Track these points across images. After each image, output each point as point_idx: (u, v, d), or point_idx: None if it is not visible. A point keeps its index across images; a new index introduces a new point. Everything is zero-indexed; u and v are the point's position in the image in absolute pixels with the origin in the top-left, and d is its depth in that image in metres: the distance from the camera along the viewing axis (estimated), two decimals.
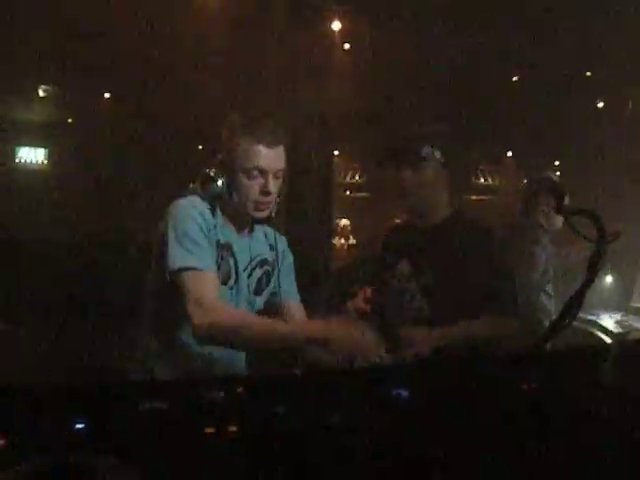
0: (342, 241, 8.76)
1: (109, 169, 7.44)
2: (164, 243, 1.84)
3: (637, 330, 3.88)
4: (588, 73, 7.53)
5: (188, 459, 0.82)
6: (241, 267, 2.00)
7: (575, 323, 1.31)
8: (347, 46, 7.15)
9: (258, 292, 2.07)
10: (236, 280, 1.98)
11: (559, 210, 1.40)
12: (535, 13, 6.19)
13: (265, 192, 1.92)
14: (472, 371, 1.06)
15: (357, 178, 11.34)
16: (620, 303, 4.78)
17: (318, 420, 0.93)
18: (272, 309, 2.13)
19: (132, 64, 6.66)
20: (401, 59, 6.82)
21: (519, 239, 3.22)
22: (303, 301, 2.20)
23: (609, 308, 4.49)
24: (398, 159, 2.45)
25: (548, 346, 1.22)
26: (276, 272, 2.11)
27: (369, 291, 2.17)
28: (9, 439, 0.81)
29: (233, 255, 1.97)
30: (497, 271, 2.36)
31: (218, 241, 1.93)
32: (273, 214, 2.00)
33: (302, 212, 6.30)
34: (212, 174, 1.93)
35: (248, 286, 2.03)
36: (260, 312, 2.09)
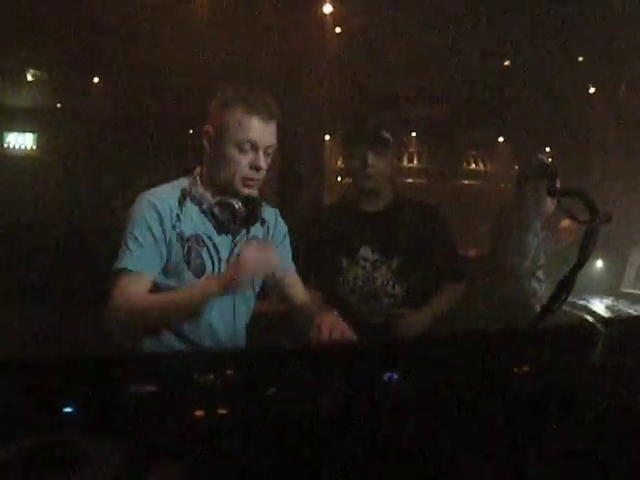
0: None
1: (99, 154, 7.38)
2: (120, 244, 1.87)
3: (627, 314, 3.89)
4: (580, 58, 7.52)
5: (180, 438, 0.80)
6: (223, 254, 1.95)
7: (565, 307, 1.30)
8: (339, 30, 7.09)
9: None
10: (219, 270, 1.93)
11: (551, 192, 1.38)
12: None
13: (255, 167, 1.88)
14: (464, 352, 1.05)
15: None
16: (611, 288, 4.79)
17: (306, 401, 0.91)
18: (271, 285, 2.09)
19: (122, 49, 6.60)
20: (392, 43, 6.79)
21: (510, 226, 3.21)
22: None
23: (600, 293, 4.49)
24: (366, 142, 2.46)
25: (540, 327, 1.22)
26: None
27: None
28: None
29: (205, 245, 1.92)
30: (446, 242, 2.57)
31: (181, 234, 1.88)
32: (256, 192, 1.96)
33: (293, 197, 6.28)
34: (202, 146, 1.90)
35: None
36: (258, 292, 2.07)
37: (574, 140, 7.39)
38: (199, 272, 1.89)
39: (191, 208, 1.91)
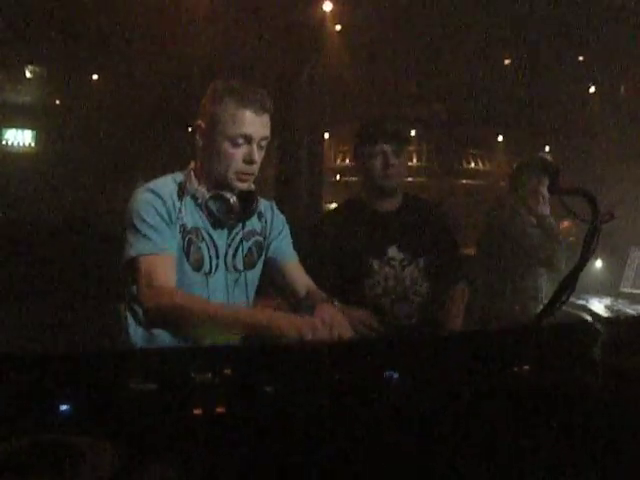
0: None
1: (96, 150, 7.37)
2: (126, 226, 1.82)
3: (627, 314, 3.88)
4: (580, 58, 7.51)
5: (175, 436, 0.79)
6: (220, 248, 1.94)
7: (565, 307, 1.29)
8: (338, 27, 7.08)
9: (249, 265, 2.01)
10: (217, 265, 1.92)
11: (553, 190, 1.37)
12: None
13: (249, 161, 1.86)
14: (469, 349, 1.04)
15: (347, 162, 11.29)
16: (610, 288, 4.78)
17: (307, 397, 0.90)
18: (272, 272, 2.08)
19: (121, 46, 6.58)
20: (391, 41, 6.77)
21: (510, 222, 3.21)
22: None
23: (599, 293, 4.49)
24: (385, 141, 2.42)
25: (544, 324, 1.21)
26: (268, 239, 2.05)
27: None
28: None
29: (204, 239, 1.91)
30: (454, 242, 2.54)
31: (183, 226, 1.87)
32: (252, 186, 1.94)
33: (291, 196, 6.26)
34: (194, 140, 1.88)
35: (234, 265, 1.98)
36: (258, 285, 2.05)
37: (574, 140, 7.39)
38: (198, 266, 1.88)
39: (189, 202, 1.90)
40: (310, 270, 2.09)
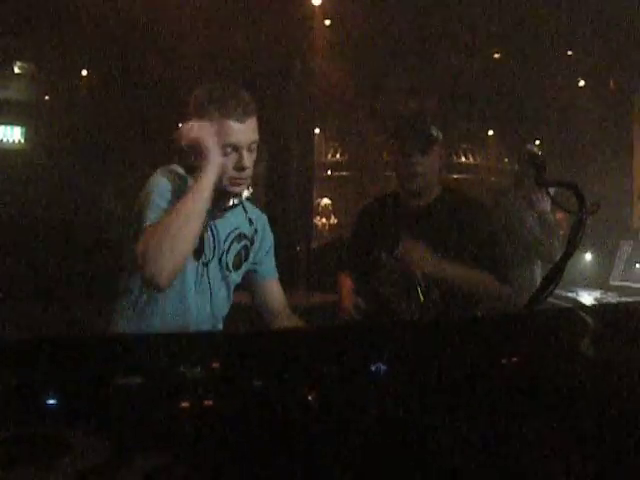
0: (323, 220, 8.73)
1: (86, 147, 7.33)
2: (143, 209, 1.80)
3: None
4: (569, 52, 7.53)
5: (162, 427, 0.79)
6: (221, 242, 1.96)
7: (555, 300, 1.30)
8: (328, 22, 7.07)
9: (236, 266, 2.04)
10: (212, 256, 1.94)
11: (540, 182, 1.38)
12: None
13: (240, 168, 1.88)
14: (461, 332, 1.04)
15: (338, 157, 11.28)
16: (599, 281, 4.81)
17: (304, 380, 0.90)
18: (250, 285, 2.11)
19: (111, 41, 6.55)
20: (380, 35, 6.77)
21: (511, 217, 3.32)
22: (282, 280, 2.18)
23: (588, 285, 4.51)
24: (409, 141, 2.38)
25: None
26: (255, 246, 2.08)
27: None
28: None
29: (211, 230, 1.93)
30: (492, 241, 2.40)
31: None
32: (250, 187, 1.97)
33: (282, 191, 6.26)
34: (185, 148, 1.88)
35: (226, 262, 2.00)
36: (237, 286, 2.07)
37: (564, 134, 7.41)
38: (198, 255, 1.89)
39: None
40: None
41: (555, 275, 1.18)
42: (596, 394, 0.96)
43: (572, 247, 1.20)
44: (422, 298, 2.35)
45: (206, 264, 1.92)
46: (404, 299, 2.39)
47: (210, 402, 0.86)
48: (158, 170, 1.89)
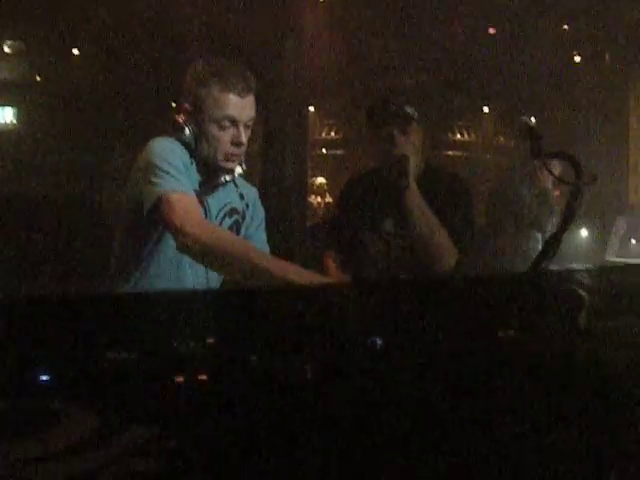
0: (318, 199, 8.72)
1: (79, 128, 7.28)
2: (144, 174, 1.77)
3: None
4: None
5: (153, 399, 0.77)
6: (211, 216, 1.96)
7: (550, 276, 1.29)
8: None
9: None
10: None
11: (536, 153, 1.36)
12: None
13: (237, 143, 1.88)
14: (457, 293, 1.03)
15: (333, 135, 11.22)
16: (595, 257, 4.82)
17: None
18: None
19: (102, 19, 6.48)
20: (375, 12, 6.71)
21: (514, 192, 3.41)
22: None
23: (584, 261, 4.52)
24: (387, 121, 2.35)
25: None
26: (246, 221, 2.08)
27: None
28: None
29: (203, 204, 1.93)
30: (468, 216, 2.41)
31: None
32: (243, 165, 1.97)
33: (276, 170, 6.23)
34: (181, 122, 1.87)
35: None
36: None
37: (559, 110, 7.38)
38: None
39: (193, 164, 1.92)
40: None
41: (552, 245, 1.17)
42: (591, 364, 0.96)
43: (568, 218, 1.19)
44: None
45: None
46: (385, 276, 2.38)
47: (207, 370, 0.84)
48: (157, 138, 1.87)
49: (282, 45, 6.25)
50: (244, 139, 1.88)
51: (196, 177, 1.91)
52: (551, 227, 3.40)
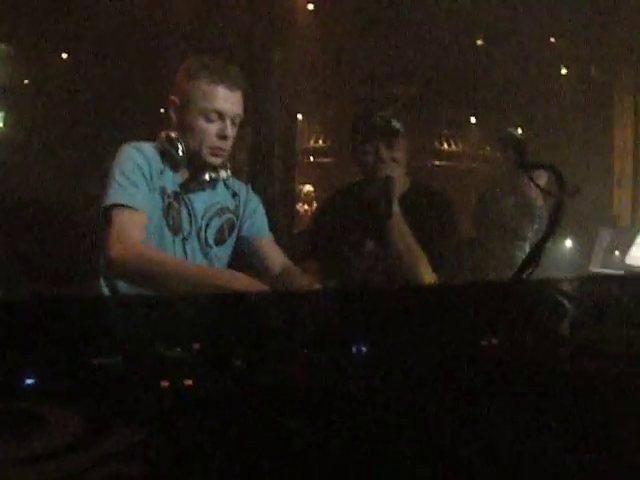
0: (305, 207, 8.71)
1: (68, 131, 7.25)
2: (106, 180, 1.82)
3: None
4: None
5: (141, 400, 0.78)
6: (197, 217, 1.97)
7: (534, 286, 1.30)
8: (311, 7, 7.02)
9: (219, 242, 2.05)
10: (189, 231, 1.95)
11: (520, 165, 1.38)
12: None
13: (223, 136, 1.91)
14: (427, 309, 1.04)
15: (321, 143, 11.23)
16: (579, 268, 4.85)
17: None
18: (248, 250, 2.12)
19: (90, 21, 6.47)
20: (363, 21, 6.74)
21: (499, 203, 3.45)
22: None
23: (568, 272, 4.55)
24: (372, 135, 2.34)
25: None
26: (241, 218, 2.09)
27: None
28: None
29: (186, 205, 1.94)
30: (451, 237, 2.41)
31: (163, 188, 1.89)
32: (229, 169, 1.99)
33: (264, 178, 6.23)
34: (168, 116, 1.90)
35: (206, 237, 2.01)
36: (231, 263, 2.09)
37: (544, 121, 7.44)
38: (176, 230, 1.90)
39: (173, 165, 1.93)
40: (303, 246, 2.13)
41: (534, 256, 1.18)
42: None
43: (552, 228, 1.21)
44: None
45: (185, 239, 1.94)
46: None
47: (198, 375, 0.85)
48: (125, 145, 1.89)
49: (271, 54, 6.27)
50: (230, 132, 1.91)
51: (174, 179, 1.92)
52: (535, 237, 3.44)
